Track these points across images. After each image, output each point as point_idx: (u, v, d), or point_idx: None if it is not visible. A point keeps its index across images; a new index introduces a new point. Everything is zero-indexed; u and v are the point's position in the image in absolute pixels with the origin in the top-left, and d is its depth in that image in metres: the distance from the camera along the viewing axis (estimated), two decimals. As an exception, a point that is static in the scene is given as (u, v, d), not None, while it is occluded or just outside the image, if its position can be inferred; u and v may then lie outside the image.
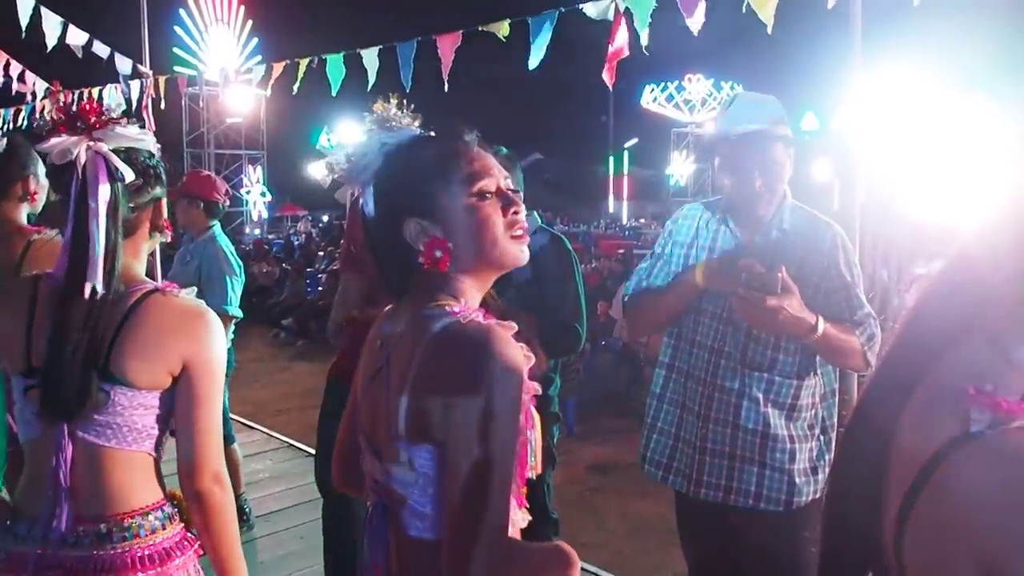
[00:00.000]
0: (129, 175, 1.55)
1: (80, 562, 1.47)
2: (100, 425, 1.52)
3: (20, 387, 1.55)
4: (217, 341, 1.61)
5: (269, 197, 28.51)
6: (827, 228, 2.26)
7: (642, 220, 42.54)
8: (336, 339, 3.21)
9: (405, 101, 2.51)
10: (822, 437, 2.29)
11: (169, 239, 1.79)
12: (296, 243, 21.74)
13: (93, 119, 1.53)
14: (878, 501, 0.91)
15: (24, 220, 2.58)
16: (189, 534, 1.63)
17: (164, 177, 1.70)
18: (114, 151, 1.54)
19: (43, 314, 1.54)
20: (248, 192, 27.02)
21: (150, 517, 1.55)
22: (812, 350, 2.19)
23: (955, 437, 0.82)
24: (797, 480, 2.21)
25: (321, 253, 17.43)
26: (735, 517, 2.25)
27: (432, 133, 1.31)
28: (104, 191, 1.52)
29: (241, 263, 4.07)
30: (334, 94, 5.35)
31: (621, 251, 22.39)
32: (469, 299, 1.25)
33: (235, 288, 3.97)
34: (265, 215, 28.79)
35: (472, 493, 1.08)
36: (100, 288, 1.51)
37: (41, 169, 2.54)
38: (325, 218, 33.21)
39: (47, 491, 1.48)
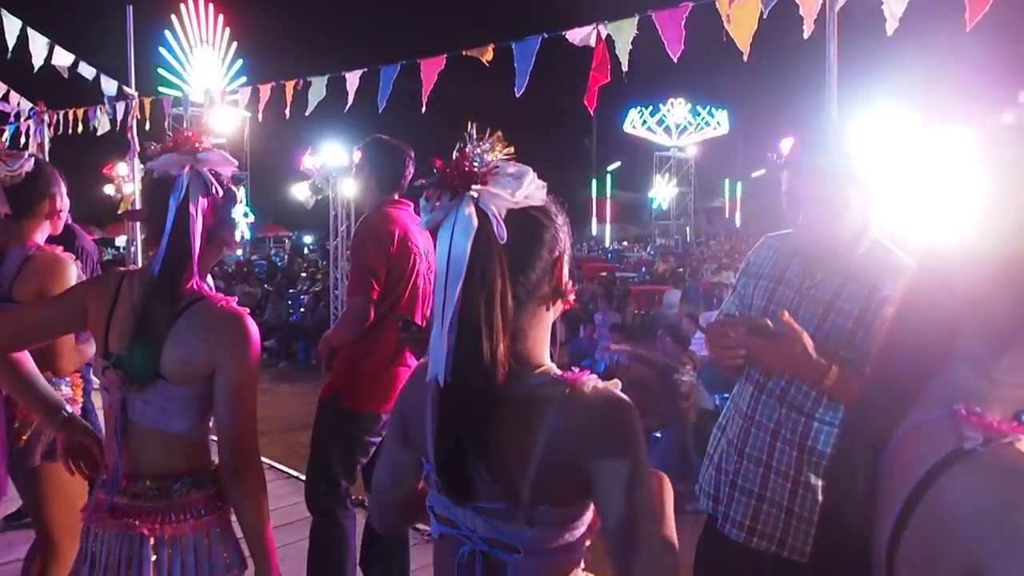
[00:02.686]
0: (220, 192, 1.80)
1: (132, 509, 1.74)
2: (145, 407, 1.75)
3: (100, 366, 1.80)
4: (246, 344, 1.76)
5: (252, 218, 28.46)
6: (902, 271, 1.99)
7: (624, 243, 42.81)
8: (329, 362, 3.21)
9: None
10: None
11: (236, 251, 1.97)
12: (279, 264, 21.70)
13: (196, 143, 1.78)
14: (870, 516, 0.93)
15: (41, 239, 2.63)
16: (218, 502, 1.82)
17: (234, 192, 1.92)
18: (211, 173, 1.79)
19: (123, 308, 1.76)
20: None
21: (179, 482, 1.77)
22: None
23: (949, 454, 0.85)
24: None
25: (303, 274, 17.40)
26: (755, 558, 2.13)
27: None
28: (203, 203, 1.77)
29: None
30: (307, 113, 5.40)
31: (603, 273, 22.56)
32: (548, 349, 1.30)
33: None
34: (248, 236, 28.70)
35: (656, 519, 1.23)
36: (199, 285, 1.77)
37: (64, 189, 2.68)
38: (308, 239, 33.17)
39: (114, 452, 1.78)
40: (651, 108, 39.90)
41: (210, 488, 1.81)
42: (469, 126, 1.19)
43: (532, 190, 1.20)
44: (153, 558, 1.71)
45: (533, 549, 1.21)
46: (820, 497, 2.03)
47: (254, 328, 1.78)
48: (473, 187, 1.15)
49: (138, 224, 6.30)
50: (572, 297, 1.30)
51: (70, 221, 3.90)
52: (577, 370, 1.23)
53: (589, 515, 1.24)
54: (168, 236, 1.74)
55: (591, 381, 1.20)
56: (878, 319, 1.96)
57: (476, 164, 1.16)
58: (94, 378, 2.01)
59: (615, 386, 1.22)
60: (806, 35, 3.20)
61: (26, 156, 2.60)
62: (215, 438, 1.79)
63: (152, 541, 1.72)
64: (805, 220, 2.03)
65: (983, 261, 0.88)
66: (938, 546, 0.82)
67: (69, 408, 2.00)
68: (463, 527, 1.27)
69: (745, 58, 3.39)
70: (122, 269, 1.87)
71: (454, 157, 1.18)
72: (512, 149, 1.20)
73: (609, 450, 1.17)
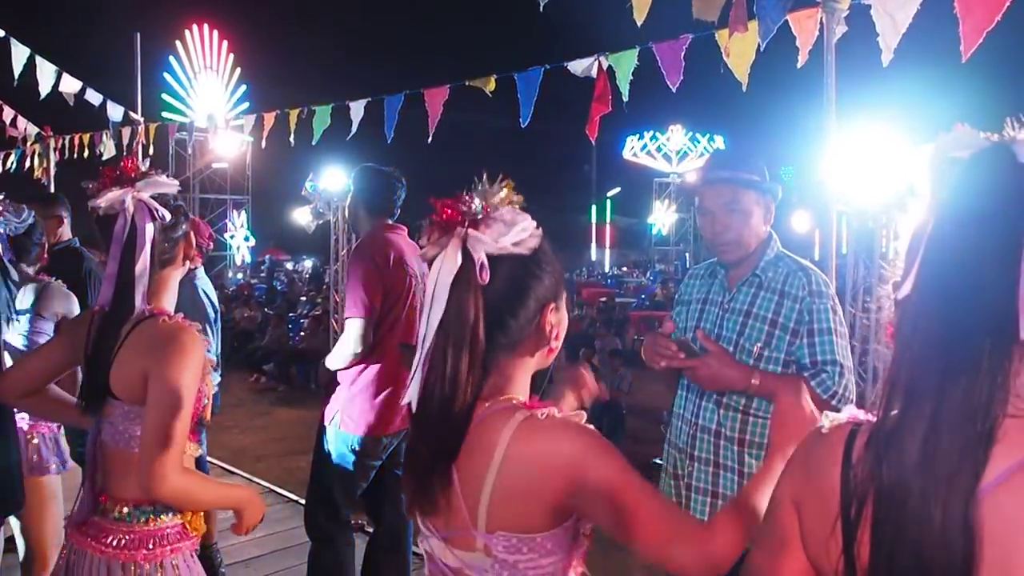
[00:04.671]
0: (167, 216, 1.86)
1: (108, 530, 1.79)
2: (111, 428, 1.82)
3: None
4: (176, 355, 1.74)
5: (253, 242, 28.52)
6: (804, 274, 2.31)
7: (624, 268, 42.83)
8: (329, 386, 3.23)
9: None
10: None
11: (195, 265, 2.01)
12: (279, 288, 21.71)
13: (132, 173, 1.84)
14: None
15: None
16: (179, 533, 1.84)
17: (185, 216, 1.96)
18: (152, 197, 1.84)
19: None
20: (232, 237, 27.04)
21: (153, 507, 1.80)
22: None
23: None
24: None
25: (304, 298, 17.40)
26: None
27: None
28: (150, 230, 1.82)
29: (218, 307, 4.08)
30: (314, 143, 5.46)
31: (603, 299, 22.54)
32: (526, 390, 1.31)
33: (211, 333, 3.98)
34: (248, 260, 28.76)
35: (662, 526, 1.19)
36: (135, 305, 1.80)
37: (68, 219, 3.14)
38: (308, 263, 33.23)
39: (90, 474, 1.86)
40: (651, 135, 40.13)
41: (170, 521, 1.82)
42: (483, 176, 1.25)
43: (523, 238, 1.24)
44: None
45: None
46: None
47: (194, 343, 1.77)
48: (461, 229, 1.21)
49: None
50: (557, 345, 1.33)
51: (78, 244, 3.95)
52: (538, 400, 1.25)
53: (563, 542, 1.22)
54: (117, 270, 1.81)
55: (548, 410, 1.21)
56: (788, 317, 2.27)
57: (474, 206, 1.22)
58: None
59: (578, 417, 1.22)
60: (799, 64, 3.26)
61: (26, 210, 3.00)
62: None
63: (106, 564, 1.75)
64: (718, 230, 2.34)
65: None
66: None
67: None
68: (437, 559, 1.29)
69: (744, 88, 3.45)
70: (97, 308, 1.90)
71: (453, 198, 1.24)
72: (520, 198, 1.26)
73: (568, 473, 1.16)
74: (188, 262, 1.98)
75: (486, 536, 1.19)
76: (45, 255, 3.15)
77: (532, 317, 1.27)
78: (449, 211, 1.22)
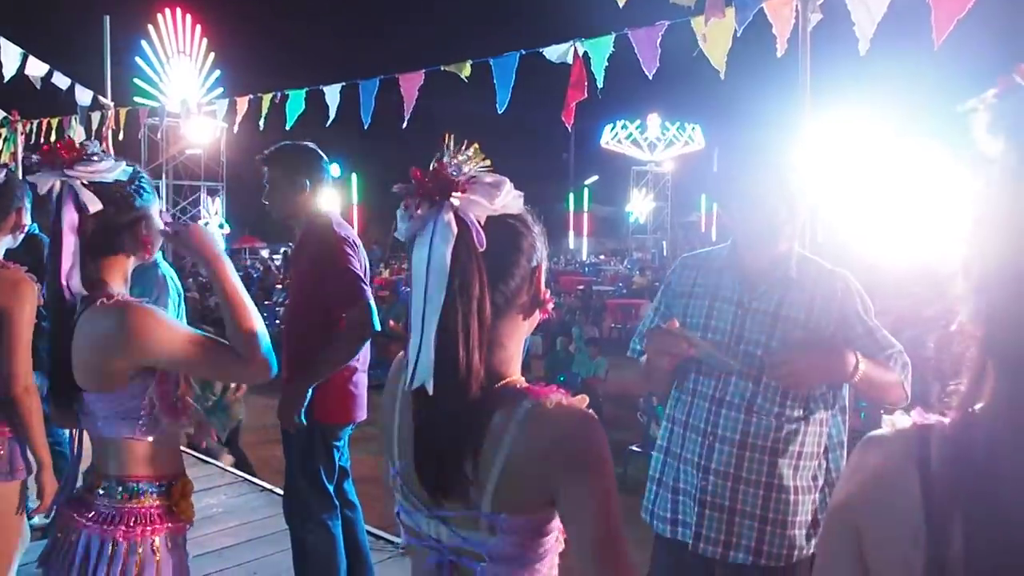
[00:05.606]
0: (95, 205, 1.74)
1: (87, 506, 1.80)
2: (84, 417, 1.83)
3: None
4: (124, 335, 1.72)
5: (227, 229, 28.26)
6: (835, 276, 2.19)
7: (602, 256, 42.96)
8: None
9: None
10: (827, 489, 2.17)
11: (148, 256, 1.92)
12: (255, 275, 21.53)
13: (67, 155, 1.74)
14: None
15: (0, 251, 2.68)
16: (164, 514, 1.83)
17: (139, 201, 1.84)
18: (90, 182, 1.75)
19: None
20: (207, 224, 26.75)
21: (114, 485, 1.80)
22: (857, 390, 2.19)
23: None
24: (798, 534, 2.12)
25: (279, 286, 17.28)
26: (731, 571, 2.15)
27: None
28: (71, 218, 1.73)
29: (181, 289, 4.01)
30: (288, 127, 5.39)
31: (581, 287, 22.64)
32: (519, 359, 1.30)
33: (176, 312, 3.93)
34: (223, 247, 28.46)
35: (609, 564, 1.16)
36: (67, 296, 1.75)
37: (29, 205, 2.71)
38: (283, 251, 33.00)
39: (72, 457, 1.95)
40: (636, 123, 40.19)
41: (152, 502, 1.82)
42: (446, 138, 1.20)
43: (510, 200, 1.22)
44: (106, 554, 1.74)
45: (499, 557, 1.21)
46: (793, 497, 2.12)
47: (139, 317, 1.72)
48: (453, 195, 1.16)
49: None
50: (551, 307, 1.31)
51: (37, 230, 3.88)
52: (544, 384, 1.24)
53: (559, 524, 1.25)
54: (49, 252, 1.77)
55: (556, 396, 1.20)
56: (822, 321, 2.12)
57: (455, 174, 1.18)
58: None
59: (582, 402, 1.22)
60: (779, 54, 3.26)
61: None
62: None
63: (85, 535, 1.75)
64: (746, 239, 2.19)
65: None
66: None
67: None
68: (427, 536, 1.29)
69: (721, 76, 3.44)
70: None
71: (432, 167, 1.19)
72: (489, 161, 1.22)
73: (571, 467, 1.17)
74: (137, 253, 1.88)
75: (491, 517, 1.19)
76: (22, 227, 2.88)
77: (528, 278, 1.26)
78: (436, 177, 1.17)
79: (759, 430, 2.11)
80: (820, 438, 2.18)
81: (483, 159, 1.22)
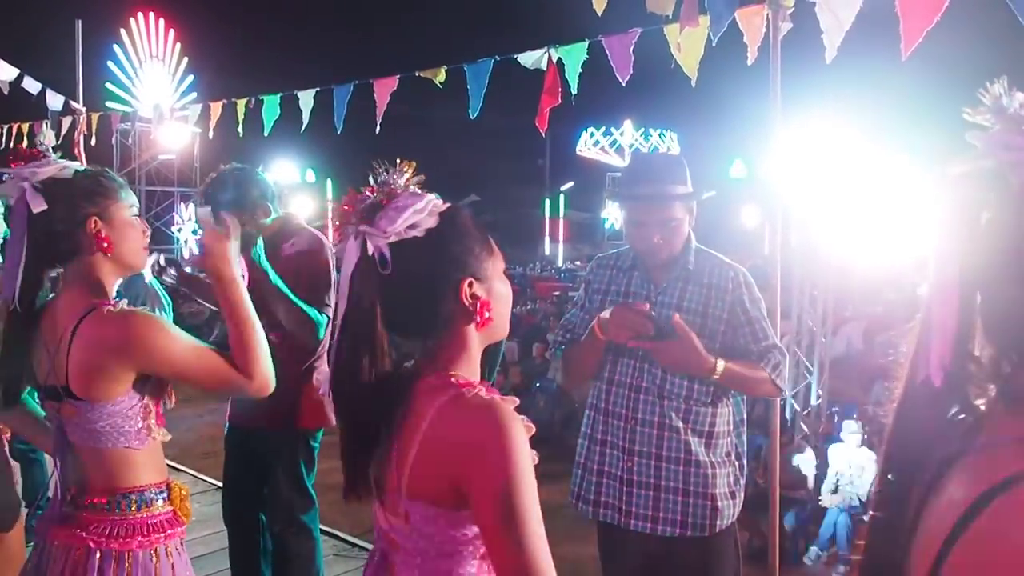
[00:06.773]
0: (39, 206, 1.72)
1: (80, 520, 1.75)
2: (74, 428, 1.76)
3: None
4: (153, 336, 1.72)
5: (200, 235, 27.94)
6: (729, 268, 2.44)
7: (578, 262, 43.03)
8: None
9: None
10: (737, 463, 2.45)
11: (109, 254, 1.82)
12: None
13: (26, 161, 1.75)
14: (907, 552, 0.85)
15: None
16: (170, 521, 1.83)
17: (88, 200, 1.79)
18: (41, 183, 1.73)
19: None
20: (180, 230, 26.50)
21: (125, 499, 1.77)
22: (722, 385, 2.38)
23: (994, 485, 0.77)
24: (719, 504, 2.35)
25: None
26: (661, 544, 2.36)
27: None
28: (20, 221, 1.73)
29: (170, 299, 4.00)
30: (266, 134, 5.37)
31: (556, 293, 22.63)
32: (474, 366, 1.33)
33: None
34: (197, 253, 28.19)
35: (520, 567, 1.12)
36: (16, 305, 1.74)
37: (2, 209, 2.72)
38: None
39: (57, 470, 1.83)
40: (603, 130, 40.32)
41: (161, 508, 1.81)
42: (374, 165, 1.30)
43: (418, 219, 1.26)
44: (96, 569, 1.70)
45: (412, 547, 1.25)
46: (711, 471, 2.36)
47: (146, 326, 1.72)
48: (361, 226, 1.25)
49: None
50: (487, 315, 1.31)
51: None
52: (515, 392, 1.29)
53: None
54: (16, 262, 1.75)
55: (479, 389, 1.23)
56: (720, 309, 2.38)
57: (371, 198, 1.27)
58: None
59: (511, 401, 1.23)
60: (750, 62, 3.30)
61: None
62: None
63: (98, 555, 1.71)
64: (657, 245, 2.39)
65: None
66: None
67: None
68: (378, 525, 1.36)
69: (693, 84, 3.48)
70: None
71: (345, 197, 1.32)
72: (422, 178, 1.30)
73: (473, 454, 1.17)
74: (96, 254, 1.81)
75: (407, 503, 1.24)
76: None
77: (443, 296, 1.28)
78: (346, 207, 1.29)
79: (672, 412, 2.35)
80: (730, 417, 2.44)
81: (416, 177, 1.30)
